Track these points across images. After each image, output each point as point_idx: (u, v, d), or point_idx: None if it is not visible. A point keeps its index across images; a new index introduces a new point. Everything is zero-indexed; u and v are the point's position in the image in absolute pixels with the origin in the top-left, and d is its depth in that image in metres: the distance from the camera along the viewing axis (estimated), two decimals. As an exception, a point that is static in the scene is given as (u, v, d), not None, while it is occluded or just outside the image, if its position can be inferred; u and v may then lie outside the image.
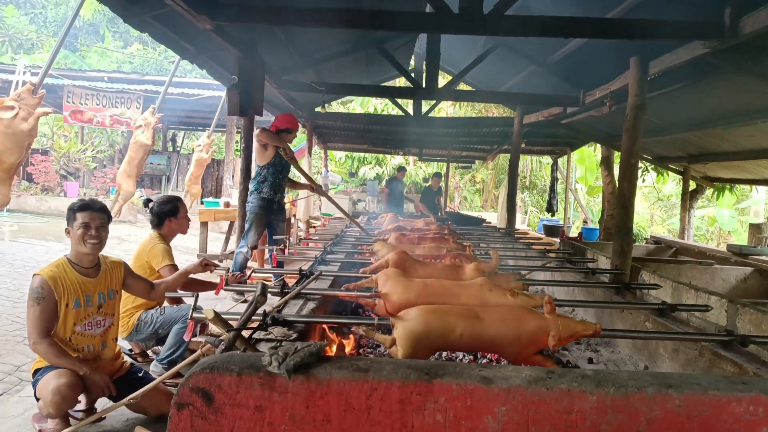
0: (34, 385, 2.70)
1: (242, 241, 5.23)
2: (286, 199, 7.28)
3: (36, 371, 2.74)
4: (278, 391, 1.26)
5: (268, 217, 5.37)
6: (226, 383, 1.26)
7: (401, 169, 11.77)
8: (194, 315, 2.16)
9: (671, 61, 4.29)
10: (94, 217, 2.80)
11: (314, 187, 5.84)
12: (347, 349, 2.80)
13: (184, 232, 3.97)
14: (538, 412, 1.23)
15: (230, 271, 2.98)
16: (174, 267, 3.68)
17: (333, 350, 2.68)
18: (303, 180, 5.88)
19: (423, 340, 1.74)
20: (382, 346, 2.74)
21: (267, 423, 1.26)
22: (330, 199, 5.74)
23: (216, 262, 3.36)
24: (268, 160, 5.24)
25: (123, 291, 3.09)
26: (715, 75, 4.72)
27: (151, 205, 3.86)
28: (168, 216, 3.81)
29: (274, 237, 5.40)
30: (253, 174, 5.43)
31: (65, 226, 2.85)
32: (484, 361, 2.83)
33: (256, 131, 5.27)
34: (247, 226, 5.30)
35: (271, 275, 4.15)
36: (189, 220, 4.01)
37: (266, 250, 5.60)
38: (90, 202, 2.85)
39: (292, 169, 5.52)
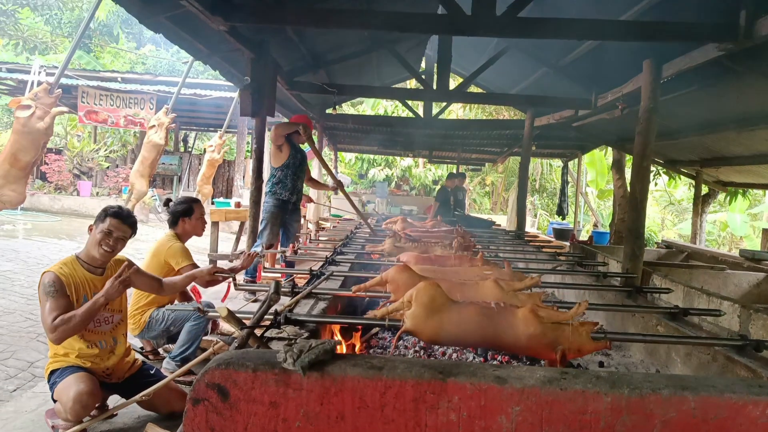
0: (52, 387, 2.72)
1: (258, 241, 5.28)
2: None
3: (52, 373, 2.75)
4: (293, 387, 1.27)
5: (283, 218, 5.43)
6: (242, 379, 1.27)
7: (451, 176, 10.45)
8: (208, 313, 2.18)
9: (685, 63, 4.26)
10: (119, 227, 2.84)
11: (336, 184, 5.87)
12: (357, 348, 2.81)
13: (199, 233, 4.00)
14: (552, 413, 1.23)
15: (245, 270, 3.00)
16: (194, 266, 3.71)
17: (343, 349, 2.69)
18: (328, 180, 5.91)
19: (433, 310, 1.74)
20: (391, 346, 2.74)
21: (281, 419, 1.27)
22: (347, 196, 5.80)
23: (224, 267, 3.37)
24: (283, 161, 5.30)
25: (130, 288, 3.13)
26: (730, 78, 4.68)
27: (169, 204, 3.93)
28: (182, 216, 3.86)
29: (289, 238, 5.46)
30: (267, 176, 5.50)
31: (81, 226, 2.89)
32: (496, 362, 2.82)
33: (269, 132, 5.34)
34: (261, 226, 5.36)
35: (282, 275, 4.16)
36: (205, 222, 4.04)
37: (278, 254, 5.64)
38: (124, 213, 2.89)
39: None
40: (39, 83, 6.58)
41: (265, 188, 5.42)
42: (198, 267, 3.75)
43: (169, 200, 3.99)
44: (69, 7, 22.13)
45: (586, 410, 1.22)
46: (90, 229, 2.86)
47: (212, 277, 3.26)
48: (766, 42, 3.48)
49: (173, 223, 3.87)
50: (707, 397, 1.21)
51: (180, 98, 10.39)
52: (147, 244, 3.82)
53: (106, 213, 2.83)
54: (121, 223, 2.84)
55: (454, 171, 11.99)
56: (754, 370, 1.93)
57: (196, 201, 3.98)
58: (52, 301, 2.65)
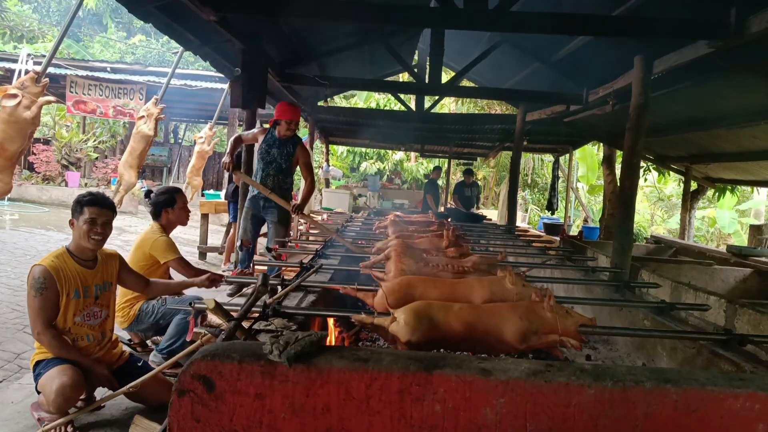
0: (36, 378, 2.70)
1: (237, 242, 5.25)
2: None
3: (37, 363, 2.74)
4: (279, 379, 1.27)
5: (257, 215, 5.06)
6: (227, 371, 1.27)
7: (437, 169, 11.57)
8: (195, 305, 2.17)
9: (675, 60, 4.28)
10: (101, 213, 2.80)
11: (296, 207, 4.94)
12: (346, 342, 2.81)
13: (183, 223, 3.96)
14: (536, 405, 1.24)
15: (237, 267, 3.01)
16: (181, 259, 3.69)
17: (332, 342, 2.69)
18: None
19: (422, 322, 1.74)
20: (381, 339, 2.75)
21: (267, 411, 1.27)
22: (315, 222, 5.28)
23: (222, 273, 3.36)
24: (256, 154, 5.06)
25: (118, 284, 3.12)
26: (720, 75, 4.71)
27: (151, 195, 3.88)
28: (164, 206, 3.81)
29: (267, 246, 4.78)
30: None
31: (69, 217, 2.86)
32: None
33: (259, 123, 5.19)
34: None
35: (272, 267, 4.15)
36: (188, 211, 4.00)
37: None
38: (99, 198, 2.84)
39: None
40: (26, 72, 6.48)
41: None
42: (185, 259, 3.73)
43: (150, 192, 3.93)
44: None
45: (569, 403, 1.23)
46: (71, 223, 2.82)
47: (210, 285, 3.25)
48: (756, 39, 3.51)
49: (156, 214, 3.83)
50: (689, 389, 1.23)
51: (170, 89, 10.26)
52: (135, 236, 3.80)
53: (82, 203, 2.79)
54: (100, 208, 2.80)
55: (442, 165, 12.14)
56: (737, 364, 1.96)
57: (177, 190, 3.94)
58: (41, 300, 2.62)
